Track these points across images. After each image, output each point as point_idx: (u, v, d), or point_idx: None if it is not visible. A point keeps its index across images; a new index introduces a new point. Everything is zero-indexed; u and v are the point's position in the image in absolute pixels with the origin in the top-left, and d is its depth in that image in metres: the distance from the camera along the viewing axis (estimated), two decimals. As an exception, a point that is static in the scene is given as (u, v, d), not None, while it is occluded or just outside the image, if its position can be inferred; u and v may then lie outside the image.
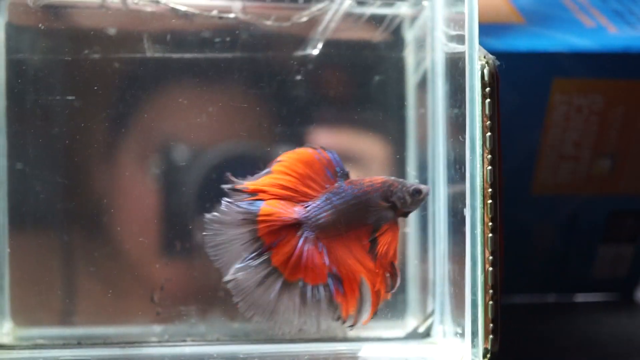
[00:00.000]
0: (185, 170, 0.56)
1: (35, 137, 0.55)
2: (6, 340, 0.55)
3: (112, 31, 0.55)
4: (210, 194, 0.55)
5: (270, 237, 0.49)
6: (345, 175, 0.50)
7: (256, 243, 0.48)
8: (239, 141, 0.57)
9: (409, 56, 0.58)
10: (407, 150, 0.58)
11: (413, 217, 0.56)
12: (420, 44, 0.57)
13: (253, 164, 0.55)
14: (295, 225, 0.49)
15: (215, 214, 0.49)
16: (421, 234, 0.57)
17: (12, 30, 0.55)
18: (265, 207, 0.49)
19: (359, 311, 0.49)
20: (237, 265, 0.48)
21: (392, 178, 0.50)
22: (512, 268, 0.62)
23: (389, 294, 0.49)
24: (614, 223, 0.72)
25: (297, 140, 0.56)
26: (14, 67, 0.55)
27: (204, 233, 0.49)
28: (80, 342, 0.55)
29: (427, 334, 0.57)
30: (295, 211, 0.49)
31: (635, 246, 0.73)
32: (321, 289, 0.49)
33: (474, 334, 0.49)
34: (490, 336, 0.49)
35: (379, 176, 0.50)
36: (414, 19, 0.58)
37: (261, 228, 0.48)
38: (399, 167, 0.57)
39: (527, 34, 0.66)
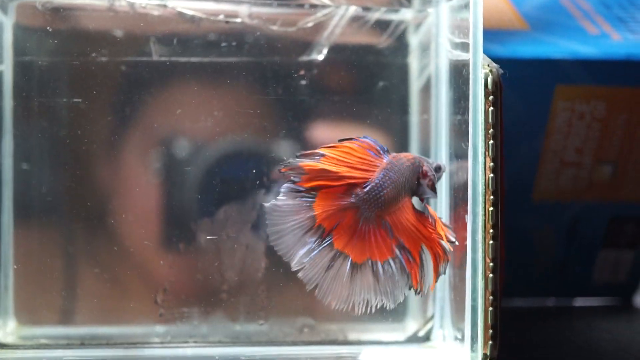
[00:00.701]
0: (189, 173, 0.56)
1: (41, 138, 0.55)
2: (10, 339, 0.55)
3: (119, 34, 0.56)
4: (214, 196, 0.56)
5: (329, 222, 0.49)
6: (387, 152, 0.50)
7: (317, 228, 0.49)
8: (244, 144, 0.57)
9: (413, 62, 0.58)
10: (410, 155, 0.58)
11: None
12: (425, 50, 0.58)
13: (259, 166, 0.55)
14: (353, 207, 0.49)
15: (274, 202, 0.49)
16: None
17: (20, 31, 0.55)
18: (322, 195, 0.49)
19: (424, 278, 0.49)
20: (301, 252, 0.49)
21: (416, 154, 0.51)
22: (513, 272, 0.63)
23: (449, 258, 0.50)
24: (615, 229, 0.72)
25: (300, 143, 0.57)
26: (21, 68, 0.55)
27: (267, 223, 0.49)
28: (83, 343, 0.55)
29: (427, 338, 0.57)
30: (352, 195, 0.49)
31: (635, 252, 0.73)
32: (391, 262, 0.49)
33: (474, 339, 0.50)
34: (490, 342, 0.49)
35: (405, 153, 0.51)
36: (418, 25, 0.58)
37: (319, 214, 0.49)
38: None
39: (531, 41, 0.66)
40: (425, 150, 0.57)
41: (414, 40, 0.58)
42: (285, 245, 0.49)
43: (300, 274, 0.49)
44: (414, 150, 0.58)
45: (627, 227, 0.72)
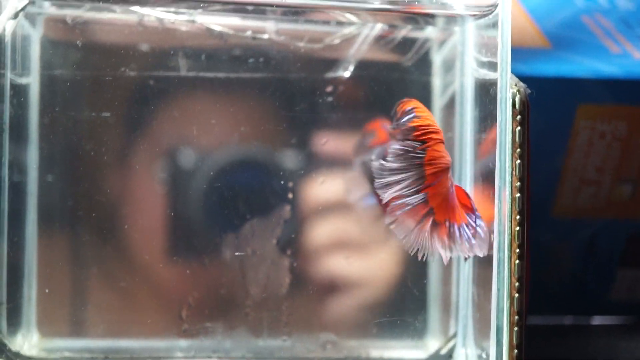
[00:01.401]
0: (215, 191, 0.56)
1: (67, 151, 0.55)
2: (33, 352, 0.55)
3: (147, 49, 0.56)
4: (241, 211, 0.56)
5: (432, 179, 0.49)
6: None
7: (419, 183, 0.49)
8: (272, 161, 0.57)
9: (437, 80, 0.58)
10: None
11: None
12: (449, 67, 0.58)
13: (285, 181, 0.55)
14: (449, 169, 0.50)
15: (383, 162, 0.49)
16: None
17: (48, 44, 0.55)
18: (431, 151, 0.49)
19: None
20: (399, 205, 0.49)
21: None
22: (531, 289, 0.63)
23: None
24: (633, 247, 0.72)
25: (325, 158, 0.57)
26: (48, 82, 0.55)
27: (375, 174, 0.49)
28: (107, 356, 0.55)
29: (449, 356, 0.57)
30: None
31: (653, 271, 0.73)
32: (469, 228, 0.50)
33: (498, 359, 0.49)
34: (514, 362, 0.49)
35: None
36: (442, 43, 0.58)
37: (427, 169, 0.49)
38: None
39: (553, 59, 0.66)
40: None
41: (438, 58, 0.58)
42: (388, 197, 0.49)
43: (391, 226, 0.49)
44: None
45: (646, 246, 0.72)
